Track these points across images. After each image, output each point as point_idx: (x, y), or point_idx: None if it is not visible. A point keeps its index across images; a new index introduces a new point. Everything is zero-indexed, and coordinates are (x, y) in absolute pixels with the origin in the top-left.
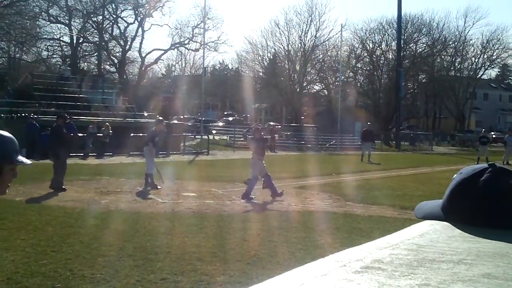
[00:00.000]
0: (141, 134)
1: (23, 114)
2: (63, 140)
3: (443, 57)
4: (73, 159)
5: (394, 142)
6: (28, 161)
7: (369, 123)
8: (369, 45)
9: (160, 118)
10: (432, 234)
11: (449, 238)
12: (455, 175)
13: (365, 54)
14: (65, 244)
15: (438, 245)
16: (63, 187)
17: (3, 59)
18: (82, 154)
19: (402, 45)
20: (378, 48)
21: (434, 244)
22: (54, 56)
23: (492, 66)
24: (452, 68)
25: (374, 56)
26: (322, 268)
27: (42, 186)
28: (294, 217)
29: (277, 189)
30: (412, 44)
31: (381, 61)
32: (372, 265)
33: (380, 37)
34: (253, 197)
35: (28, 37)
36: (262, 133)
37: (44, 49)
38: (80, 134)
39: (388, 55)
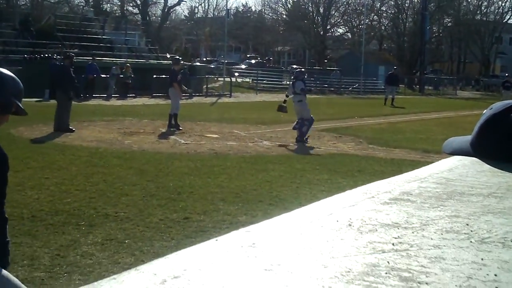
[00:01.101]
0: (163, 76)
1: (46, 55)
2: (69, 80)
3: (469, 0)
4: (96, 99)
5: (417, 86)
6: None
7: (395, 67)
8: None
9: (177, 57)
10: (461, 168)
11: (478, 172)
12: (485, 110)
13: None
14: (88, 183)
15: (467, 179)
16: (71, 128)
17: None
18: (105, 95)
19: None
20: None
21: (463, 178)
22: None
23: None
24: (478, 11)
25: None
26: (351, 199)
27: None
28: (316, 159)
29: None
30: None
31: (406, 4)
32: (400, 197)
33: None
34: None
35: None
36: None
37: None
38: (103, 75)
39: None
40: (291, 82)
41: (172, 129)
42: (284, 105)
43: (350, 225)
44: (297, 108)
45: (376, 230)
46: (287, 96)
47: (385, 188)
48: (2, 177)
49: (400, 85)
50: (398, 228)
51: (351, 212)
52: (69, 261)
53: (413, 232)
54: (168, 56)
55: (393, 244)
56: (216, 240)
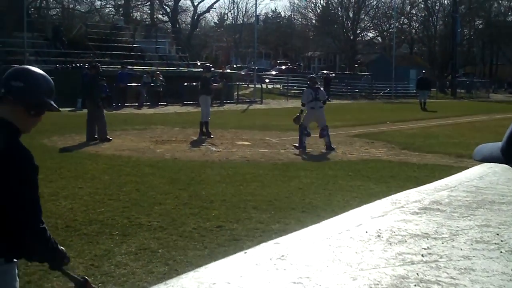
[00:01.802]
0: (194, 84)
1: (77, 64)
2: (96, 89)
3: (500, 1)
4: (127, 108)
5: (449, 89)
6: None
7: (424, 70)
8: None
9: (208, 64)
10: (492, 176)
11: (509, 180)
12: None
13: (420, 0)
14: (122, 192)
15: (497, 187)
16: (108, 137)
17: (58, 9)
18: (137, 104)
19: None
20: None
21: (493, 186)
22: (107, 6)
23: None
24: (510, 13)
25: (429, 2)
26: (380, 209)
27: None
28: (348, 165)
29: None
30: None
31: (437, 7)
32: (430, 207)
33: None
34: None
35: None
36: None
37: None
38: (134, 84)
39: (443, 0)
40: (311, 89)
41: (203, 137)
42: (300, 114)
43: (379, 236)
44: (320, 116)
45: (406, 241)
46: (304, 105)
47: (415, 198)
48: (27, 178)
49: (431, 89)
50: (428, 239)
51: (380, 222)
52: (103, 271)
53: (442, 243)
54: (199, 63)
55: (422, 255)
56: (245, 252)
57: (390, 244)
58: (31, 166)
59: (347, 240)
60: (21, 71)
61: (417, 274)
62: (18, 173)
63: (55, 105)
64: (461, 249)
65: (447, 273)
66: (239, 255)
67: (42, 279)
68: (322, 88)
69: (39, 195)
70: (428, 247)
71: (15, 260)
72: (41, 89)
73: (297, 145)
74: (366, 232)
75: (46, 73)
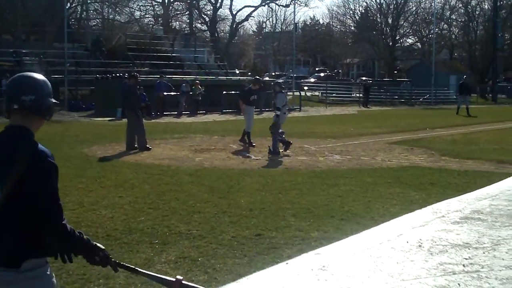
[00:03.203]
0: (233, 92)
1: (117, 74)
2: (137, 100)
3: None
4: (167, 117)
5: (490, 95)
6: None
7: (465, 76)
8: None
9: (258, 77)
10: None
11: None
12: None
13: (460, 5)
14: (161, 201)
15: None
16: (148, 146)
17: (97, 20)
18: (176, 113)
19: None
20: None
21: None
22: (147, 16)
23: None
24: None
25: (469, 6)
26: (420, 219)
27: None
28: (388, 172)
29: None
30: None
31: (477, 12)
32: (471, 216)
33: None
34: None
35: None
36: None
37: (137, 9)
38: (173, 93)
39: (484, 5)
40: (283, 94)
41: (245, 144)
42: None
43: (420, 246)
44: (284, 120)
45: (447, 251)
46: (279, 109)
47: (456, 207)
48: (49, 177)
49: (472, 94)
50: (469, 249)
51: (421, 232)
52: (144, 280)
53: (484, 253)
54: (237, 71)
55: (463, 266)
56: (287, 263)
57: (431, 254)
58: (51, 165)
59: (388, 250)
60: (29, 84)
61: (459, 284)
62: (41, 173)
63: (56, 101)
64: (503, 259)
65: (489, 283)
66: (281, 266)
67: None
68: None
69: (58, 193)
70: (469, 257)
71: (47, 262)
72: (48, 94)
73: (272, 150)
74: (407, 242)
75: (87, 83)
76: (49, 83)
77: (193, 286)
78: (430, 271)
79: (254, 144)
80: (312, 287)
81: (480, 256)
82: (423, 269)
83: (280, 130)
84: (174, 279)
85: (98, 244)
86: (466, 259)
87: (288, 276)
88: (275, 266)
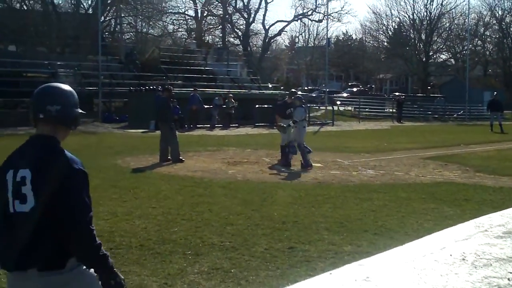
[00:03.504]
0: (265, 106)
1: (151, 87)
2: (168, 111)
3: None
4: (200, 130)
5: None
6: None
7: (495, 92)
8: (498, 12)
9: (293, 90)
10: None
11: None
12: None
13: (494, 22)
14: (194, 212)
15: None
16: (181, 158)
17: (131, 33)
18: (209, 126)
19: None
20: (508, 15)
21: None
22: (180, 29)
23: None
24: None
25: (503, 23)
26: (463, 233)
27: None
28: (422, 188)
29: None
30: None
31: (511, 28)
32: None
33: (510, 3)
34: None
35: (154, 12)
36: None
37: (170, 23)
38: (206, 106)
39: None
40: (303, 108)
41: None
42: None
43: (463, 259)
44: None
45: (491, 264)
46: (295, 122)
47: (498, 221)
48: (77, 184)
49: (503, 111)
50: None
51: (464, 245)
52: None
53: None
54: (270, 85)
55: (508, 279)
56: (330, 273)
57: (475, 267)
58: (81, 172)
59: (431, 263)
60: (55, 94)
61: None
62: (72, 180)
63: (83, 112)
64: None
65: None
66: (325, 276)
67: None
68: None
69: (89, 199)
70: None
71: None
72: (74, 105)
73: (302, 163)
74: (451, 255)
75: (121, 95)
76: (75, 94)
77: None
78: (475, 284)
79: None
80: None
81: None
82: (467, 282)
83: (304, 144)
84: None
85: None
86: (511, 273)
87: (332, 286)
88: (319, 276)
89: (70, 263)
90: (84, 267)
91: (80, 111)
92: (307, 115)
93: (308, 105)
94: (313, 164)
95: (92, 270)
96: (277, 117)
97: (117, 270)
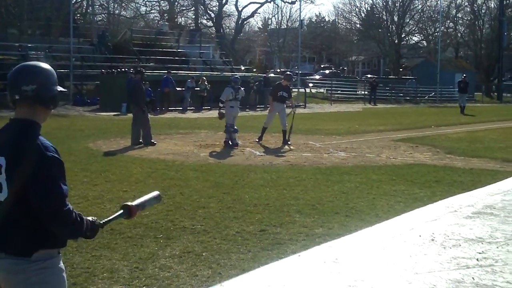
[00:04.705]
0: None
1: (122, 69)
2: (141, 94)
3: None
4: (172, 113)
5: (495, 93)
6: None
7: (464, 75)
8: None
9: (289, 73)
10: None
11: None
12: None
13: (466, 3)
14: (166, 196)
15: None
16: (153, 141)
17: (103, 15)
18: (181, 108)
19: None
20: None
21: None
22: (152, 11)
23: None
24: None
25: (475, 5)
26: (432, 213)
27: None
28: (393, 170)
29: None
30: None
31: (483, 11)
32: (483, 211)
33: None
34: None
35: None
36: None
37: (142, 4)
38: (178, 88)
39: (490, 4)
40: (231, 89)
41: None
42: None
43: (433, 240)
44: (237, 114)
45: (460, 245)
46: (222, 102)
47: (468, 202)
48: (50, 171)
49: (477, 93)
50: (482, 243)
51: (433, 226)
52: (148, 273)
53: (497, 247)
54: (243, 68)
55: (477, 260)
56: (299, 255)
57: (444, 248)
58: (54, 159)
59: (400, 244)
60: (29, 73)
61: (473, 278)
62: (43, 167)
63: (63, 90)
64: None
65: (503, 278)
66: (293, 258)
67: (87, 281)
68: (242, 89)
69: (63, 186)
70: (483, 251)
71: (59, 253)
72: (52, 83)
73: (230, 143)
74: (420, 236)
75: (92, 78)
76: (53, 72)
77: (143, 200)
78: (444, 265)
79: (257, 141)
80: (325, 280)
81: (494, 250)
82: (436, 262)
83: (231, 124)
84: (125, 206)
85: (90, 218)
86: (479, 253)
87: (300, 268)
88: (287, 258)
89: (38, 254)
90: (52, 264)
91: (60, 89)
92: (239, 95)
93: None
94: (238, 143)
95: (61, 265)
96: (270, 99)
97: (90, 218)
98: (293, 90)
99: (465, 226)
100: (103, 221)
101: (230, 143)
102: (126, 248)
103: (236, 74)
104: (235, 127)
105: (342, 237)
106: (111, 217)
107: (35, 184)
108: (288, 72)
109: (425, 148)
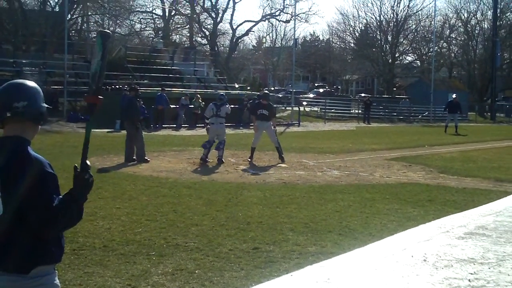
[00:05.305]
0: (232, 106)
1: (117, 86)
2: (135, 111)
3: None
4: (165, 130)
5: (489, 113)
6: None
7: (454, 95)
8: (463, 15)
9: (266, 92)
10: None
11: None
12: None
13: (460, 24)
14: (159, 213)
15: None
16: (146, 158)
17: None
18: (175, 125)
19: (499, 14)
20: (473, 18)
21: None
22: (147, 28)
23: None
24: None
25: (469, 25)
26: (425, 234)
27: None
28: (386, 189)
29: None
30: (508, 13)
31: (476, 31)
32: (476, 231)
33: (475, 6)
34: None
35: (121, 10)
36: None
37: (137, 22)
38: (172, 106)
39: (483, 24)
40: (213, 105)
41: (249, 159)
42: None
43: (425, 260)
44: (220, 131)
45: (452, 265)
46: (207, 118)
47: (460, 222)
48: (36, 190)
49: (470, 112)
50: (474, 264)
51: (425, 247)
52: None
53: (489, 268)
54: (237, 86)
55: (469, 280)
56: (291, 275)
57: (437, 268)
58: (47, 174)
59: (392, 264)
60: (20, 90)
61: None
62: (37, 183)
63: (49, 106)
64: (509, 275)
65: None
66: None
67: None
68: (227, 106)
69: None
70: (474, 272)
71: (55, 269)
72: (40, 99)
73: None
74: (412, 256)
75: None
76: (40, 89)
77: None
78: (436, 286)
79: (249, 159)
80: None
81: (486, 271)
82: (428, 283)
83: (212, 141)
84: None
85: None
86: (471, 274)
87: None
88: (279, 278)
89: (36, 270)
90: (49, 280)
91: (46, 105)
92: (222, 112)
93: (275, 105)
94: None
95: (57, 281)
96: (253, 118)
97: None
98: (287, 108)
99: (457, 247)
100: (80, 166)
101: (203, 159)
102: (119, 265)
103: (222, 92)
104: (209, 143)
105: (335, 257)
106: (83, 150)
107: (33, 200)
108: (265, 91)
109: (419, 167)
